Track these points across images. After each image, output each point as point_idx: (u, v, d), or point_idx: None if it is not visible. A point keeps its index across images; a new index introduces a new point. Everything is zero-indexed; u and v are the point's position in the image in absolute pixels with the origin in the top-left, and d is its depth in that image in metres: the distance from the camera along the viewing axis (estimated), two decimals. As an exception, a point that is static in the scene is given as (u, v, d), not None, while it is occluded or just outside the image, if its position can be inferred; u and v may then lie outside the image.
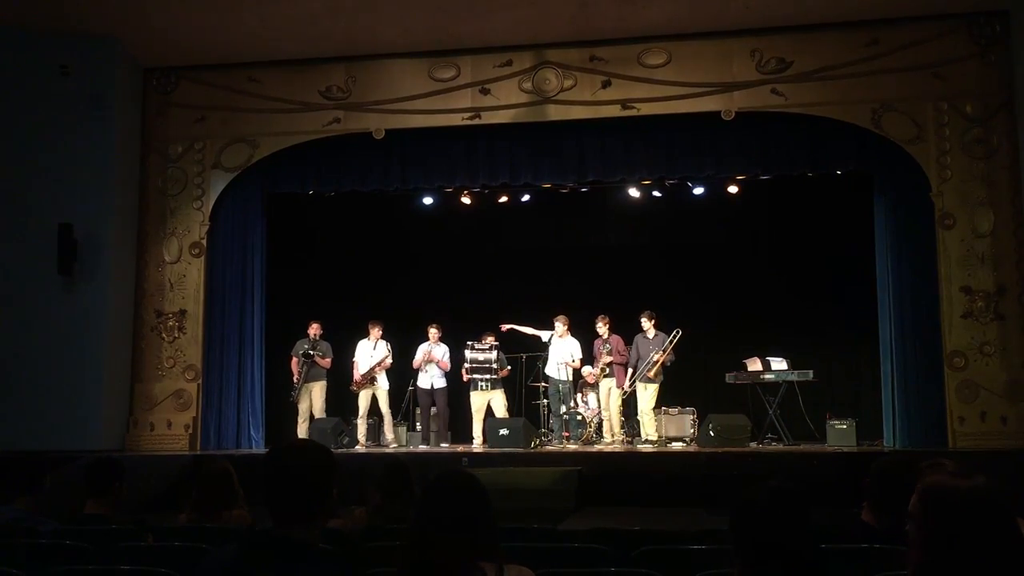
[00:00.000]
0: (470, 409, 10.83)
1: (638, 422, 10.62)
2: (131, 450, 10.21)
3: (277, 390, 11.05)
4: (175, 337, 10.72)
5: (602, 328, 10.71)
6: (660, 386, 10.43)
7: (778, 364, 10.64)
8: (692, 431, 10.49)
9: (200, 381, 10.63)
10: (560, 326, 10.79)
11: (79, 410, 9.92)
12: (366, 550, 3.57)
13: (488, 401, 10.72)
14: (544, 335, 11.00)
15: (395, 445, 10.68)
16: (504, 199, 11.70)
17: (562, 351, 10.80)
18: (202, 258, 10.82)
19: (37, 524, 4.03)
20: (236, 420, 10.70)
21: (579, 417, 10.87)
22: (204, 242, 10.84)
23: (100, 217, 10.30)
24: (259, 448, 10.58)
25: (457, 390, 11.07)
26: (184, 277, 10.81)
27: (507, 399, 10.87)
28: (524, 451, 9.63)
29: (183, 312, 10.74)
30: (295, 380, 10.64)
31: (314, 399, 10.65)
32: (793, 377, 10.51)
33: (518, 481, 8.31)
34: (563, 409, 10.84)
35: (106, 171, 10.40)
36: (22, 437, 8.92)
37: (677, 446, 10.19)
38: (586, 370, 11.00)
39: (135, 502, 6.03)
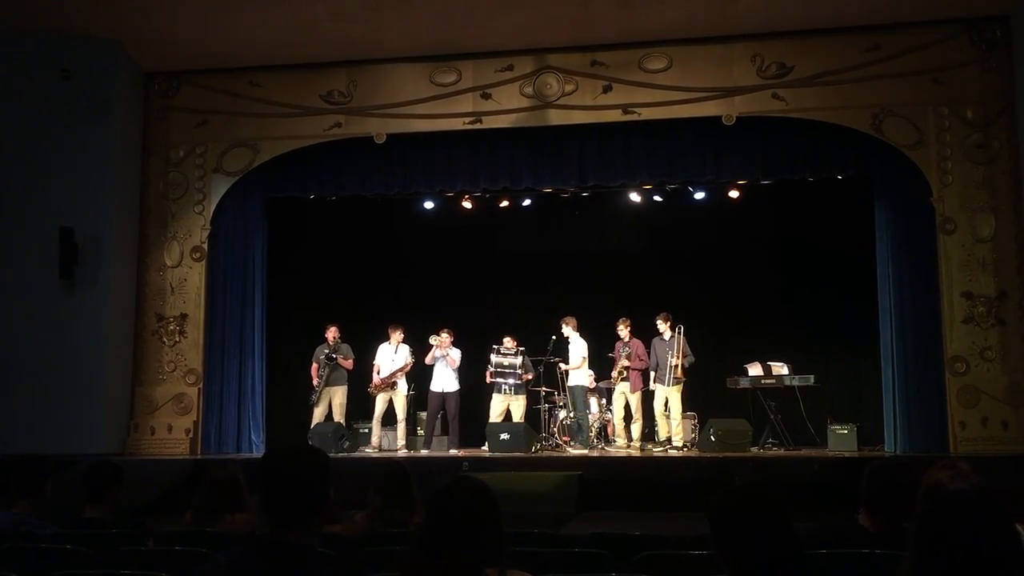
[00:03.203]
0: (485, 413, 10.74)
1: (653, 426, 10.58)
2: (132, 454, 10.21)
3: (278, 394, 11.06)
4: (176, 341, 10.73)
5: (623, 331, 10.58)
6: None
7: (779, 369, 10.64)
8: (693, 435, 10.49)
9: (201, 385, 10.63)
10: (565, 327, 10.67)
11: (80, 414, 9.92)
12: (365, 555, 3.56)
13: (508, 405, 10.62)
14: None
15: (404, 452, 10.53)
16: (505, 203, 11.72)
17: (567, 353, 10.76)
18: (203, 262, 10.83)
19: (37, 528, 4.02)
20: (237, 424, 10.70)
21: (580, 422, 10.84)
22: (205, 246, 10.85)
23: (101, 221, 10.30)
24: (259, 452, 10.55)
25: (473, 393, 11.05)
26: (185, 281, 10.82)
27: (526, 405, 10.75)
28: (525, 455, 9.61)
29: (184, 316, 10.76)
30: (315, 385, 10.59)
31: (335, 404, 10.59)
32: (794, 382, 10.51)
33: (519, 485, 8.28)
34: (562, 414, 10.80)
35: (107, 175, 10.41)
36: (23, 440, 8.90)
37: (678, 451, 10.17)
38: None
39: (136, 506, 6.03)
